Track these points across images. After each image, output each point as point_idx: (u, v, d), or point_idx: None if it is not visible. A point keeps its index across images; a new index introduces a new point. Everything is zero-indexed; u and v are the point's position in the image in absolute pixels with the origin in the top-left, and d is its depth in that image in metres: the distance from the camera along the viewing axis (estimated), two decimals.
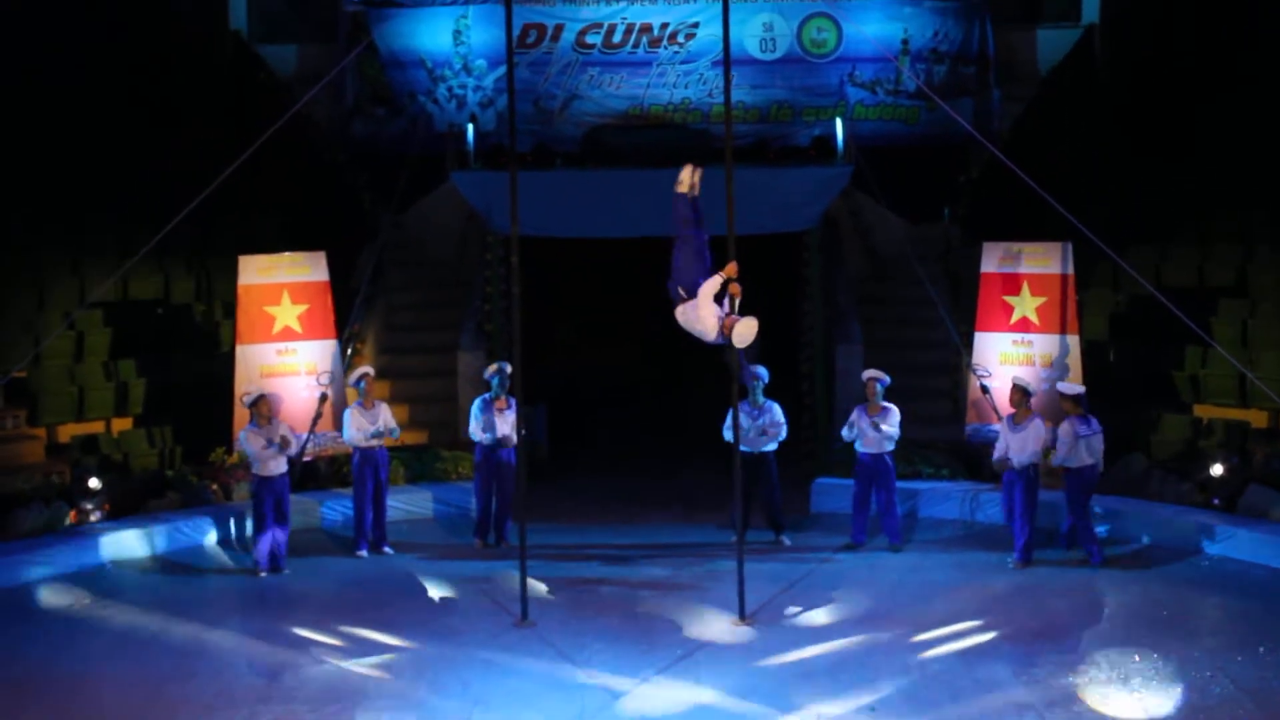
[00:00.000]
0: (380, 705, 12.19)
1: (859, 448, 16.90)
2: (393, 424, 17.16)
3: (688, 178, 13.43)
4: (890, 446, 16.78)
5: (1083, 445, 15.90)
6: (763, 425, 16.81)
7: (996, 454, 16.30)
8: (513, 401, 16.95)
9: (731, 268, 13.19)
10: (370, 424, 16.92)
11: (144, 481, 18.07)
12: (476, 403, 17.26)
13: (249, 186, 20.93)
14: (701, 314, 12.97)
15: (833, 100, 22.66)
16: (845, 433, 17.06)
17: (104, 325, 19.97)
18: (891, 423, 16.71)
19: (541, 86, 22.75)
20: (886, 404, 16.80)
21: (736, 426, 14.97)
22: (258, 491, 16.10)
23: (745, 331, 12.92)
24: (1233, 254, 20.15)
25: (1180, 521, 16.68)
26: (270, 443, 15.99)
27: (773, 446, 17.01)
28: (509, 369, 17.13)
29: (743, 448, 15.45)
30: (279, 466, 16.15)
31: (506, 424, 16.96)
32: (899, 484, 17.17)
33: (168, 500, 17.78)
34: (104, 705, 12.31)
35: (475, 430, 17.12)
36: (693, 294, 13.02)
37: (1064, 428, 16.09)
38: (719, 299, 13.11)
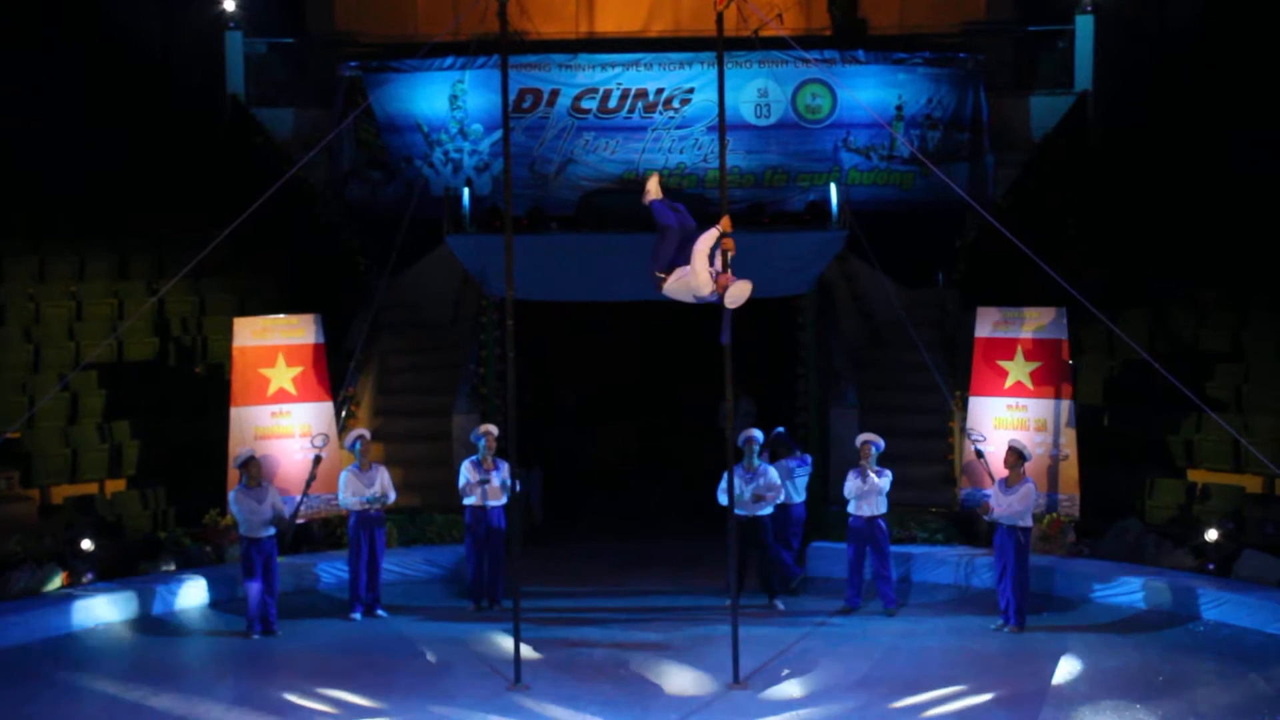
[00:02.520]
0: None
1: (852, 510, 16.87)
2: (390, 490, 17.12)
3: (653, 187, 13.57)
4: (884, 508, 16.76)
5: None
6: (757, 490, 16.82)
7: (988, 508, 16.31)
8: (500, 463, 16.96)
9: (725, 222, 13.17)
10: (366, 486, 16.90)
11: (137, 543, 18.01)
12: (465, 464, 17.27)
13: (245, 249, 21.07)
14: (695, 267, 12.92)
15: (827, 166, 22.78)
16: (849, 490, 16.99)
17: (99, 387, 19.95)
18: (884, 480, 16.70)
19: (537, 151, 22.88)
20: (880, 468, 16.80)
21: (731, 490, 14.98)
22: (246, 553, 16.06)
23: (738, 293, 12.87)
24: (1227, 318, 20.19)
25: (1175, 586, 16.66)
26: (259, 502, 15.99)
27: (768, 510, 17.01)
28: (495, 430, 17.17)
29: (737, 511, 15.45)
30: (267, 529, 16.12)
31: (496, 482, 16.95)
32: (893, 548, 17.13)
33: (161, 562, 17.72)
34: None
35: (465, 488, 17.11)
36: (675, 268, 13.05)
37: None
38: (711, 257, 13.10)
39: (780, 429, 18.11)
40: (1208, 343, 19.97)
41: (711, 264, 13.05)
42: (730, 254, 13.15)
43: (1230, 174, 21.84)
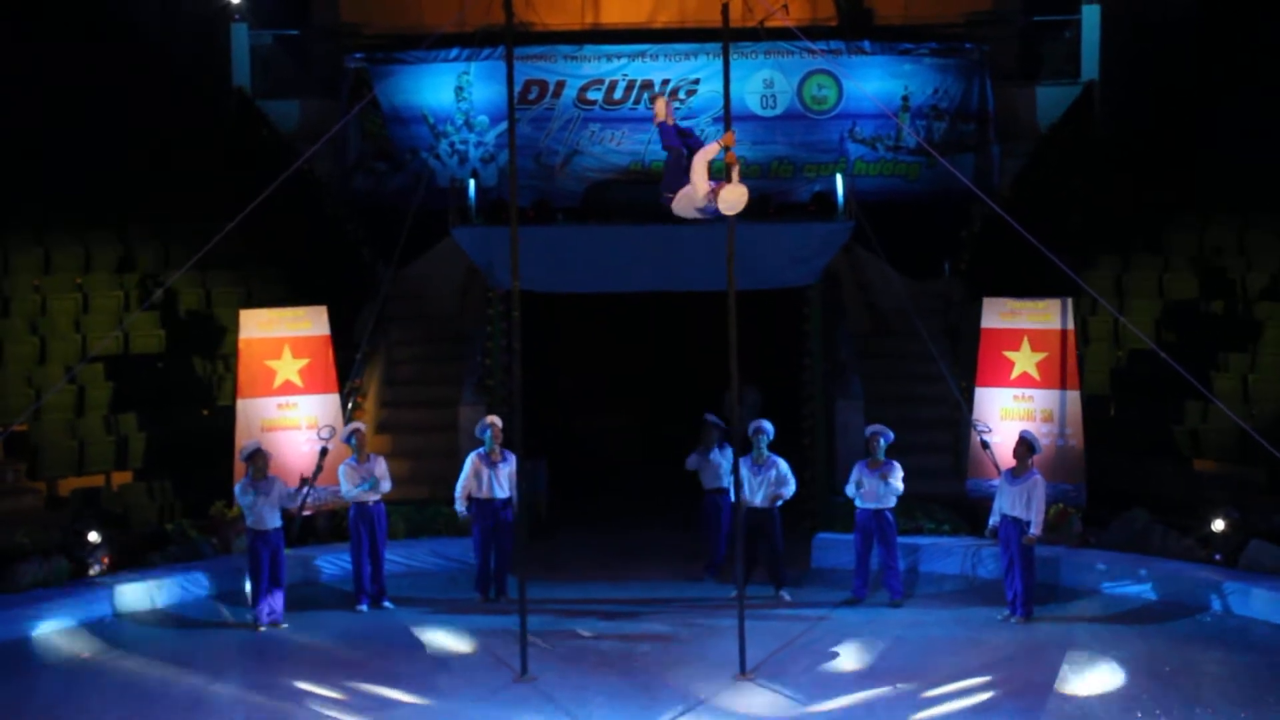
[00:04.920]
0: None
1: (859, 503, 16.87)
2: (385, 479, 17.05)
3: (661, 109, 13.58)
4: (892, 502, 16.76)
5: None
6: (769, 479, 16.76)
7: (992, 521, 16.31)
8: (508, 454, 16.94)
9: (729, 136, 13.14)
10: (363, 478, 16.88)
11: (143, 535, 18.03)
12: (470, 458, 17.25)
13: (251, 241, 21.08)
14: (694, 178, 12.83)
15: (833, 156, 22.77)
16: (850, 489, 17.02)
17: (105, 379, 19.98)
18: (896, 477, 16.69)
19: (543, 142, 22.90)
20: (889, 459, 16.79)
21: (738, 482, 14.99)
22: (253, 545, 16.07)
23: (732, 197, 12.78)
24: (1232, 308, 20.17)
25: (1182, 577, 16.64)
26: (265, 495, 15.99)
27: (779, 501, 16.97)
28: (499, 422, 17.16)
29: (748, 501, 15.45)
30: (274, 520, 16.12)
31: (501, 477, 16.95)
32: (900, 539, 17.12)
33: (167, 554, 17.73)
34: None
35: (466, 487, 17.09)
36: (678, 187, 13.02)
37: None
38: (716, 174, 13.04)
39: (711, 415, 18.05)
40: (1214, 332, 19.95)
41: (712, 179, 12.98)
42: (736, 168, 13.07)
43: (1235, 164, 21.82)
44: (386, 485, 17.13)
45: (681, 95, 22.78)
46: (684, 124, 22.19)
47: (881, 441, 16.80)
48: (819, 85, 22.96)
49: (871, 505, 16.74)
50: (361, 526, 16.84)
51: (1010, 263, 19.66)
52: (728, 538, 17.49)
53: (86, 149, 22.43)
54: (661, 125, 13.48)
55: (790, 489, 16.98)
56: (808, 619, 16.17)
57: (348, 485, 16.88)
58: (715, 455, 17.78)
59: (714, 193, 12.81)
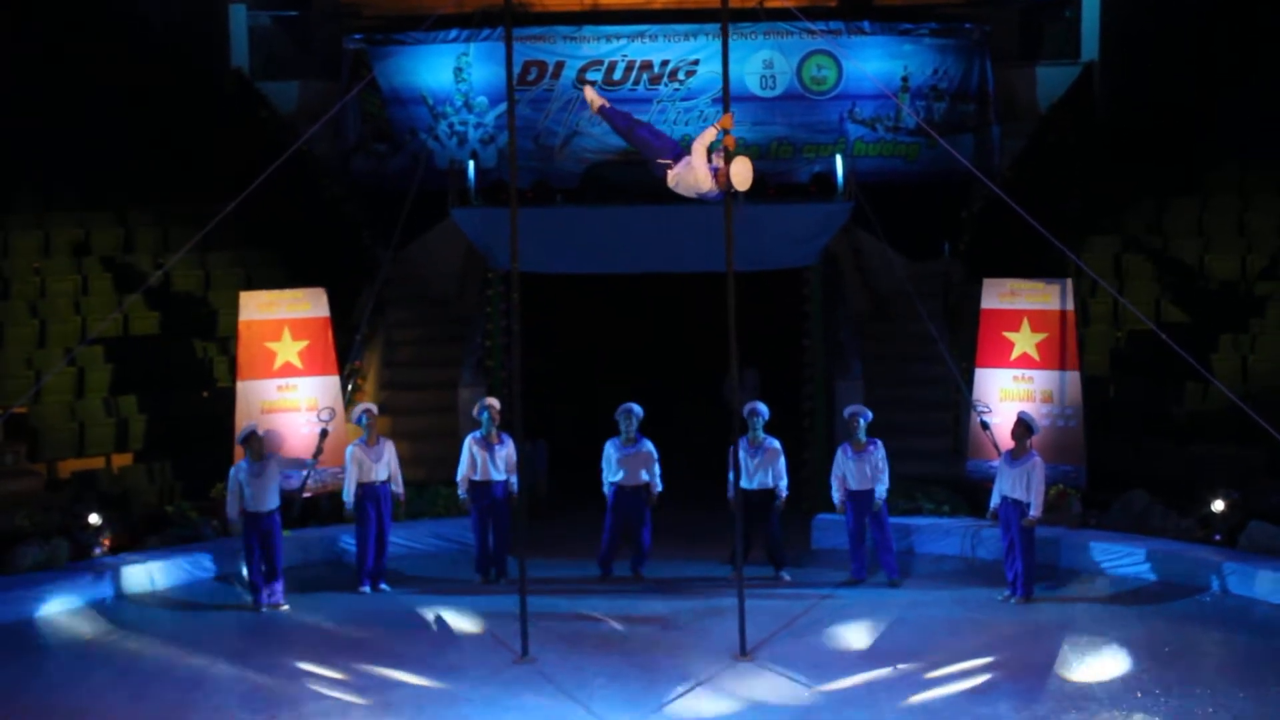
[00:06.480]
0: None
1: (850, 485, 16.83)
2: (398, 477, 17.09)
3: (590, 96, 13.59)
4: (884, 482, 16.71)
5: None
6: (765, 460, 16.72)
7: (992, 503, 16.31)
8: (505, 437, 16.92)
9: (727, 119, 13.10)
10: (373, 461, 16.84)
11: (143, 517, 18.04)
12: (467, 441, 17.24)
13: (250, 223, 21.05)
14: (695, 164, 12.78)
15: (833, 137, 22.70)
16: (835, 496, 16.98)
17: (105, 361, 19.97)
18: (881, 458, 16.67)
19: (542, 123, 22.82)
20: (872, 439, 16.77)
21: (737, 464, 15.00)
22: (247, 528, 16.06)
23: (741, 170, 12.76)
24: (1233, 290, 20.17)
25: (1181, 557, 16.65)
26: (260, 477, 15.97)
27: (784, 482, 16.96)
28: (497, 404, 17.13)
29: (744, 484, 15.40)
30: (272, 502, 16.11)
31: (499, 459, 16.94)
32: (898, 519, 17.12)
33: (167, 536, 17.74)
34: None
35: (465, 470, 17.09)
36: (678, 156, 12.94)
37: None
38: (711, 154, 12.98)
39: (634, 405, 17.88)
40: (1214, 313, 19.94)
41: (711, 162, 12.95)
42: (732, 150, 13.05)
43: (1235, 145, 21.80)
44: (398, 484, 17.11)
45: (681, 76, 22.71)
46: (683, 104, 22.56)
47: (861, 421, 16.79)
48: (818, 66, 22.89)
49: (861, 486, 16.72)
50: (368, 506, 16.80)
51: (1010, 243, 19.63)
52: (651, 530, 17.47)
53: (86, 132, 22.38)
54: (602, 110, 13.41)
55: (784, 483, 16.95)
56: (808, 599, 16.19)
57: (351, 467, 16.78)
58: (635, 448, 17.54)
59: (718, 176, 12.79)
